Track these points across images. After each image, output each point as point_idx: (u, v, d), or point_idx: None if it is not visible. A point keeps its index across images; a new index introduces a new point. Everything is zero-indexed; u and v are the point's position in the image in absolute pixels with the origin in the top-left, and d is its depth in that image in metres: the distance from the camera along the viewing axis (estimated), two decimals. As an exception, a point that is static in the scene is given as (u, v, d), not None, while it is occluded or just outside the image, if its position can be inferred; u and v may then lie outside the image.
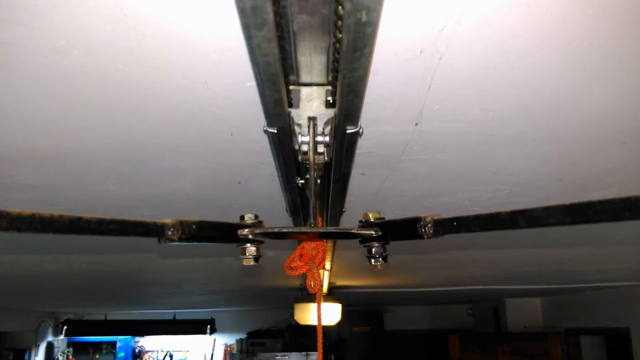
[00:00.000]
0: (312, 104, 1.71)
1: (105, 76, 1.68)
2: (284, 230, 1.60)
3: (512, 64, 1.68)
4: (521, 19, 1.46)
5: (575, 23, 1.49)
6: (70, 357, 13.62)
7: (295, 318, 7.64)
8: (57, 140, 2.17)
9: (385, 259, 1.71)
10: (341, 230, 1.78)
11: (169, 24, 1.43)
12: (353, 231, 1.63)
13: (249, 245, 1.63)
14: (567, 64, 1.70)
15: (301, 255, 1.80)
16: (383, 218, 1.67)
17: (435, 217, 1.45)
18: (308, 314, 7.35)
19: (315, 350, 2.15)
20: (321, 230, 1.72)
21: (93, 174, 2.58)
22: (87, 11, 1.37)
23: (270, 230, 1.57)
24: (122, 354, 13.81)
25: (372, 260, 1.71)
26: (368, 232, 1.62)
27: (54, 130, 2.09)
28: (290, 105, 1.69)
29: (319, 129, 1.76)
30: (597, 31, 1.54)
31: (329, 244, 3.65)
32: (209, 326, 13.05)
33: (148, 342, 14.43)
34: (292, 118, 1.71)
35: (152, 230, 1.33)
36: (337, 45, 1.32)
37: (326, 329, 10.97)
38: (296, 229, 1.78)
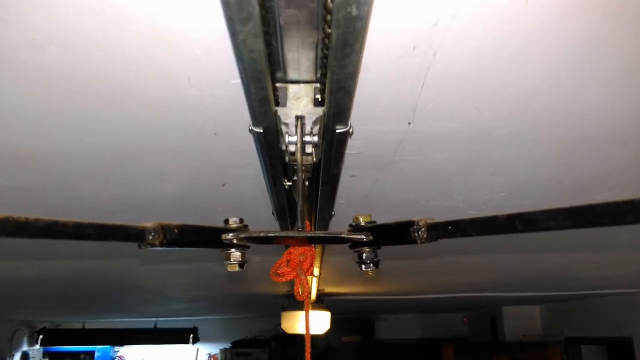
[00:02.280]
0: (300, 103, 1.72)
1: (85, 73, 1.68)
2: (271, 234, 1.60)
3: (509, 61, 1.69)
4: (518, 14, 1.47)
5: (574, 19, 1.50)
6: (47, 367, 13.58)
7: (282, 327, 7.63)
8: (35, 140, 2.17)
9: (376, 265, 1.71)
10: (330, 235, 1.79)
11: (150, 19, 1.43)
12: (343, 236, 1.64)
13: (233, 250, 1.63)
14: (566, 62, 1.71)
15: (289, 261, 1.80)
16: (374, 222, 1.67)
17: (429, 221, 1.46)
18: (296, 323, 7.34)
19: (304, 360, 2.14)
20: (309, 235, 1.72)
21: (73, 175, 2.58)
22: (64, 5, 1.37)
23: (256, 235, 1.57)
24: (100, 365, 13.79)
25: (363, 267, 1.71)
26: (359, 236, 1.63)
27: (31, 130, 2.08)
28: (277, 104, 1.69)
29: (307, 129, 1.76)
30: (597, 29, 1.55)
31: (318, 249, 3.65)
32: (192, 335, 13.01)
33: (128, 353, 14.40)
34: (279, 117, 1.71)
35: (133, 234, 1.33)
36: (326, 41, 1.32)
37: (315, 338, 10.98)
38: (283, 234, 1.78)
